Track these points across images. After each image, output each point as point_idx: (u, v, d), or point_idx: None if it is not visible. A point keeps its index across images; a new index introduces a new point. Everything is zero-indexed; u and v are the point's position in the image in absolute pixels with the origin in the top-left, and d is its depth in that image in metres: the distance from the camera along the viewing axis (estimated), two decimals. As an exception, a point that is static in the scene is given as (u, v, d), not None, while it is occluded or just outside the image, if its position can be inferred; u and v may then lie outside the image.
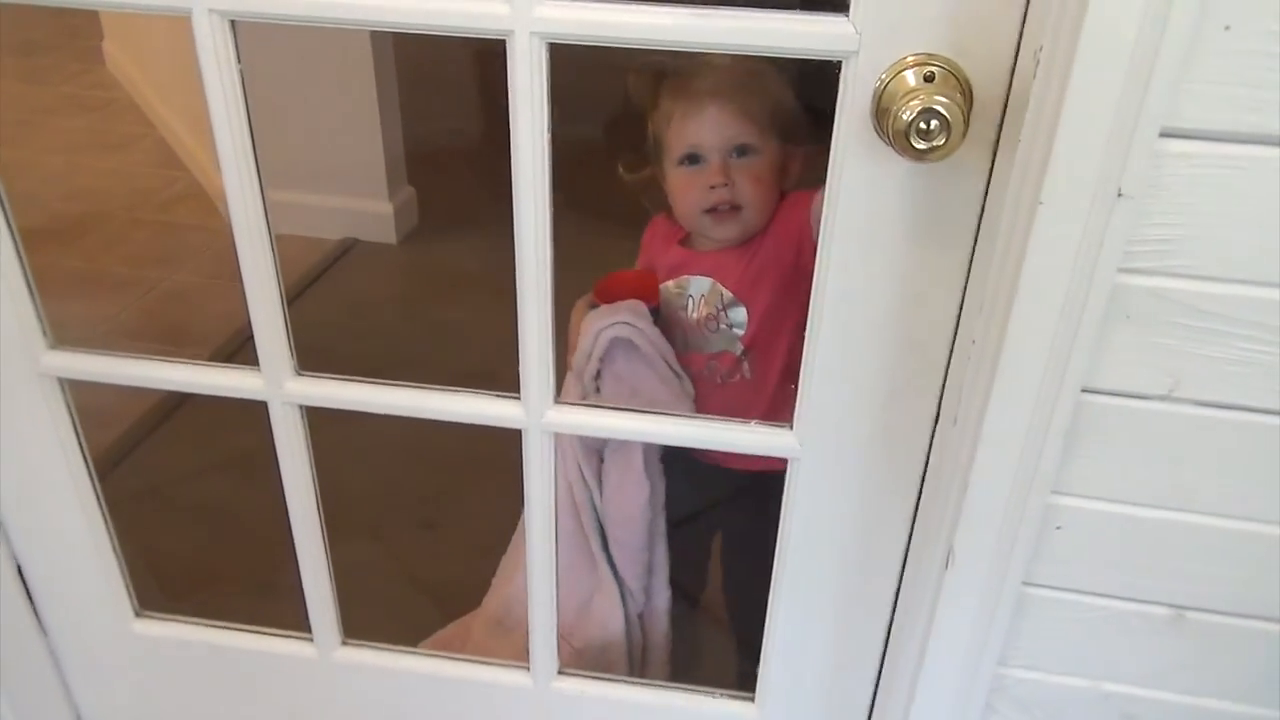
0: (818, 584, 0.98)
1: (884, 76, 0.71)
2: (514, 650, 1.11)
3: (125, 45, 3.29)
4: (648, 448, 1.08)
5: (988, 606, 0.86)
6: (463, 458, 1.64)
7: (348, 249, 2.51)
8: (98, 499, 1.08)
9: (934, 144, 0.67)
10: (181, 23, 0.79)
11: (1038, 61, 0.67)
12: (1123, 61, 0.63)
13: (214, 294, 2.33)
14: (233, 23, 0.79)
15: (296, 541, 1.06)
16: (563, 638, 1.10)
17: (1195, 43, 0.62)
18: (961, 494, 0.81)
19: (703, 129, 0.95)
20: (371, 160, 2.47)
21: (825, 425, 0.88)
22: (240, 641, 1.18)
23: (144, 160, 2.93)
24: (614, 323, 1.01)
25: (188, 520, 1.67)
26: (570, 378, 1.08)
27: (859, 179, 0.75)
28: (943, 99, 0.67)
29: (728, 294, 1.01)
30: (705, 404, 1.06)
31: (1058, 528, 0.82)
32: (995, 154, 0.73)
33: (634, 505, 1.08)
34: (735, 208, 0.97)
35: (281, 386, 0.96)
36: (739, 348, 1.03)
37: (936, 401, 0.85)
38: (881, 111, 0.71)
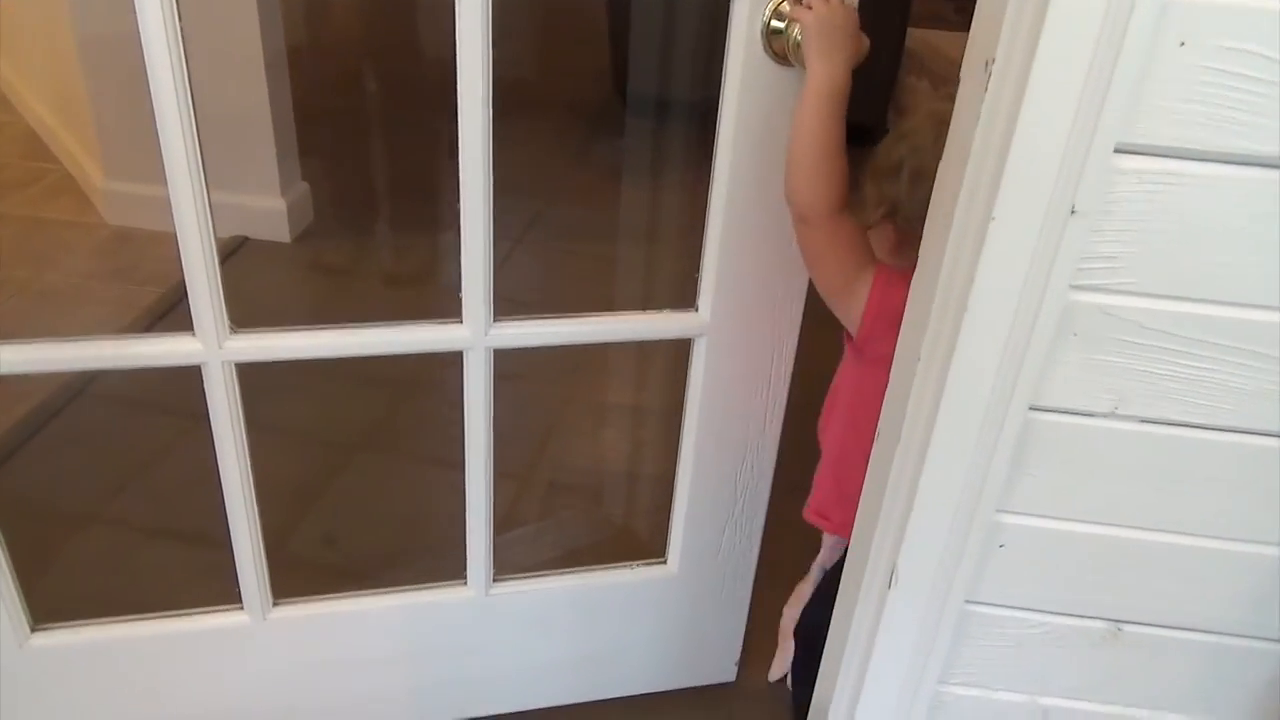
0: (716, 450, 1.15)
1: (770, 8, 0.90)
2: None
3: (-14, 26, 3.05)
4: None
5: (930, 626, 0.84)
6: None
7: (237, 247, 2.37)
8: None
9: None
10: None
11: (989, 74, 0.65)
12: (1079, 77, 0.61)
13: (89, 294, 2.17)
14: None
15: (229, 509, 1.07)
16: None
17: (1151, 58, 0.61)
18: (906, 514, 0.80)
19: None
20: (263, 154, 2.34)
21: (726, 302, 1.05)
22: (159, 629, 1.14)
23: (9, 152, 2.72)
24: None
25: (72, 531, 1.55)
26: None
27: (754, 89, 0.93)
28: None
29: None
30: None
31: (1001, 546, 0.81)
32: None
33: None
34: None
35: (220, 346, 0.98)
36: None
37: (807, 277, 1.04)
38: (773, 33, 0.90)
